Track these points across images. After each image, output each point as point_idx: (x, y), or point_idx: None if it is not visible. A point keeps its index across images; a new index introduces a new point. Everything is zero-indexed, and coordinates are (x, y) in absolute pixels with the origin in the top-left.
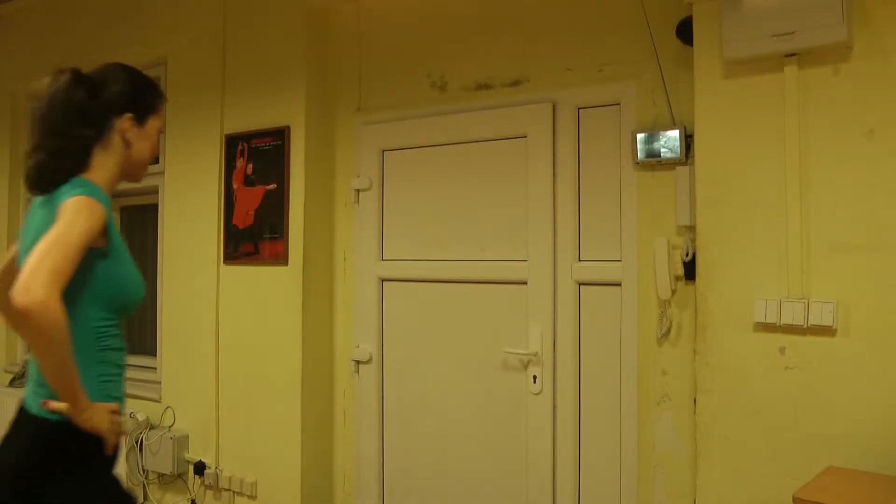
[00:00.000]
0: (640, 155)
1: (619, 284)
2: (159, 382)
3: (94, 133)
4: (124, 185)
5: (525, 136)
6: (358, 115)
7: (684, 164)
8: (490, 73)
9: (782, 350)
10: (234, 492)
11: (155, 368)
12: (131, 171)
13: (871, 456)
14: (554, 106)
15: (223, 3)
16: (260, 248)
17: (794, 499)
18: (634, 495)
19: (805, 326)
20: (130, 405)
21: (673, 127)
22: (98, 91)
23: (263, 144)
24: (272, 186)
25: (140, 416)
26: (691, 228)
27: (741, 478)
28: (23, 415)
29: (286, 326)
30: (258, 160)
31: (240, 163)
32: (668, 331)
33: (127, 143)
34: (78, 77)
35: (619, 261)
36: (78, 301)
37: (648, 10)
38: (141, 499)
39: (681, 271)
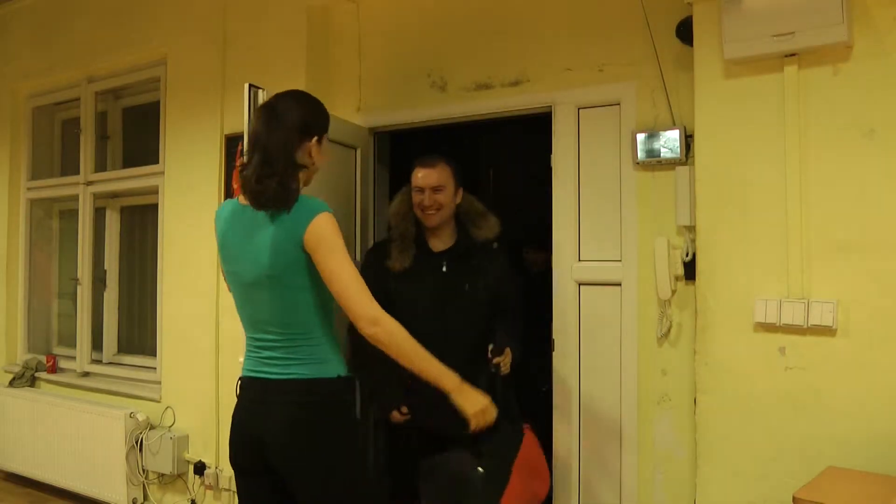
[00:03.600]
0: (640, 155)
1: (620, 284)
2: (159, 382)
3: None
4: (123, 186)
5: None
6: (358, 116)
7: (684, 164)
8: (490, 73)
9: (782, 350)
10: (234, 492)
11: (155, 368)
12: None
13: (871, 456)
14: (554, 106)
15: (223, 3)
16: None
17: (794, 499)
18: (634, 495)
19: (805, 326)
20: (130, 405)
21: (673, 127)
22: None
23: None
24: None
25: (140, 416)
26: (691, 228)
27: (741, 478)
28: None
29: None
30: None
31: (240, 163)
32: (668, 331)
33: None
34: None
35: (620, 261)
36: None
37: (648, 11)
38: (141, 499)
39: (681, 271)
